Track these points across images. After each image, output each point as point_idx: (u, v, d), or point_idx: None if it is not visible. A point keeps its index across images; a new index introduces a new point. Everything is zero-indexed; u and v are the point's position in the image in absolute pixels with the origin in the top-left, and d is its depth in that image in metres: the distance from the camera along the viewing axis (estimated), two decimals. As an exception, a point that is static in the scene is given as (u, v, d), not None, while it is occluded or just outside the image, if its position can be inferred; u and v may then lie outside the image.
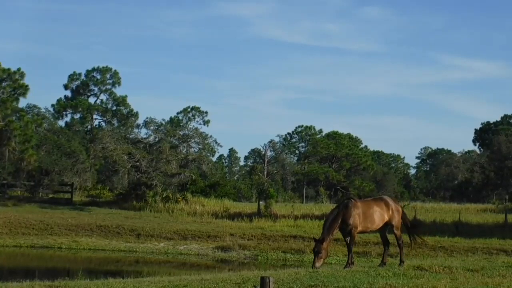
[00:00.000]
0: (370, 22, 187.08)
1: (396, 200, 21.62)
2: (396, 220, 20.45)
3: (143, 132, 67.10)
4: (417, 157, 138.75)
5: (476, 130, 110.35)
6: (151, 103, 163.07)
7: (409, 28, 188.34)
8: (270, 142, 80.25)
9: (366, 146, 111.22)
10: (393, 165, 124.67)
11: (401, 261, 20.52)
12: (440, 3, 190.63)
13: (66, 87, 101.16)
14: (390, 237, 21.21)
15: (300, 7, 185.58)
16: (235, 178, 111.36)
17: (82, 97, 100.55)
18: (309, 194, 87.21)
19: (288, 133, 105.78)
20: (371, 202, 20.55)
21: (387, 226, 20.50)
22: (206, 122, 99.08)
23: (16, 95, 63.15)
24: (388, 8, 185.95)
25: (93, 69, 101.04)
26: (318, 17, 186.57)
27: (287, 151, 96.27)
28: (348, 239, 19.98)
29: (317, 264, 19.21)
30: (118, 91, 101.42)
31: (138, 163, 59.45)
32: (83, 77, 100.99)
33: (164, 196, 58.77)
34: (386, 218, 20.26)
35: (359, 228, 19.98)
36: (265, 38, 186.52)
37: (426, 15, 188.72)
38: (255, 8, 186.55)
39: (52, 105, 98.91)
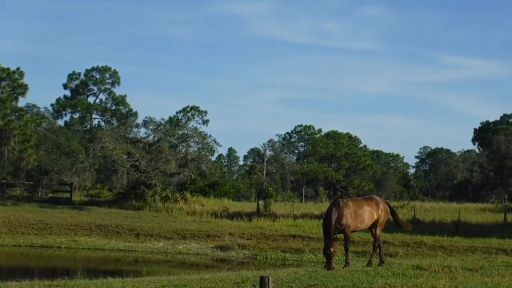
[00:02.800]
0: (368, 21, 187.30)
1: (384, 200, 21.74)
2: (382, 220, 20.56)
3: (142, 132, 67.22)
4: (416, 157, 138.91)
5: (475, 129, 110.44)
6: (151, 102, 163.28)
7: (408, 27, 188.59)
8: (269, 141, 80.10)
9: (365, 146, 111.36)
10: (392, 164, 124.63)
11: (370, 263, 20.55)
12: (439, 2, 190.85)
13: (65, 86, 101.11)
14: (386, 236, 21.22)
15: (298, 6, 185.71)
16: (234, 177, 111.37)
17: (82, 97, 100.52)
18: (309, 193, 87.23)
19: (288, 133, 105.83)
20: (362, 201, 20.65)
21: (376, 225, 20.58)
22: (206, 122, 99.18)
23: (15, 94, 63.21)
24: (387, 7, 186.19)
25: (93, 69, 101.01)
26: (317, 16, 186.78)
27: (286, 150, 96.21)
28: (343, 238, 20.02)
29: (334, 264, 19.23)
30: (118, 91, 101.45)
31: (137, 163, 59.42)
32: (82, 76, 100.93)
33: (163, 195, 58.74)
34: (375, 217, 20.37)
35: (351, 228, 20.06)
36: (264, 37, 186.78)
37: (425, 14, 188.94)
38: (254, 7, 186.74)
39: (52, 105, 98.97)
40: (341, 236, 20.17)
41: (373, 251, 20.97)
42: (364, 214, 20.18)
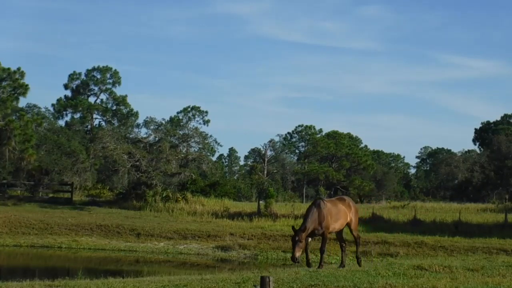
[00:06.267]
0: (367, 20, 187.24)
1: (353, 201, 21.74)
2: (355, 220, 20.53)
3: (143, 132, 67.40)
4: (417, 157, 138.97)
5: (476, 129, 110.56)
6: (151, 102, 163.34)
7: (407, 26, 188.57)
8: (270, 141, 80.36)
9: (366, 146, 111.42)
10: (393, 164, 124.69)
11: (358, 258, 20.67)
12: (438, 1, 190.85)
13: (66, 86, 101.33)
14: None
15: (298, 5, 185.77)
16: (235, 177, 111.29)
17: (82, 97, 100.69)
18: (309, 193, 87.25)
19: (288, 133, 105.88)
20: (336, 201, 20.52)
21: (346, 226, 20.52)
22: (206, 122, 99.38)
23: (16, 94, 63.10)
24: (386, 6, 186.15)
25: (93, 69, 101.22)
26: (316, 16, 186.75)
27: (287, 150, 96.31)
28: (309, 240, 19.78)
29: (297, 254, 18.69)
30: (118, 91, 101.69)
31: (138, 163, 59.46)
32: (83, 76, 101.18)
33: (164, 195, 58.75)
34: (349, 218, 20.28)
35: (329, 229, 19.95)
36: (263, 36, 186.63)
37: (424, 13, 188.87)
38: (254, 6, 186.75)
39: (52, 105, 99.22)
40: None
41: (357, 248, 21.02)
42: (339, 214, 20.03)
